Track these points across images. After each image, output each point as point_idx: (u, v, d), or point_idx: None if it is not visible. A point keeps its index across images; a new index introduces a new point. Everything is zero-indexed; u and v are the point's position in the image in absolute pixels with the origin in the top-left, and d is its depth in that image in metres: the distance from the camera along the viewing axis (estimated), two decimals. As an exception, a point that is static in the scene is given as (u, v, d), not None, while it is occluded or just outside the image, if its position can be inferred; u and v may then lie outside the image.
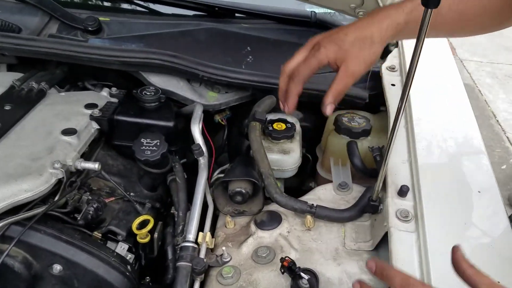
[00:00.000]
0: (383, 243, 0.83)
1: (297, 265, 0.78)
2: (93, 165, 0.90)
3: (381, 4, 1.11)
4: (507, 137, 3.30)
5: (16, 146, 0.88)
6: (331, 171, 1.02)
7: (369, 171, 0.98)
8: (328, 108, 0.84)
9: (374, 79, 1.21)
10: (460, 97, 1.12)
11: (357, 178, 1.02)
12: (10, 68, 1.24)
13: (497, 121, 3.47)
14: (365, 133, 1.03)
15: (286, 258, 0.79)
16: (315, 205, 0.88)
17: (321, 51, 0.80)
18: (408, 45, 1.24)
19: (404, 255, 0.74)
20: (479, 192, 0.82)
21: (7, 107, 0.98)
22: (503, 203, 0.81)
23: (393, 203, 0.82)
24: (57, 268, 0.79)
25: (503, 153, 3.11)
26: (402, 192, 0.83)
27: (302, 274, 0.77)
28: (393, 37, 0.81)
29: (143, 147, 0.97)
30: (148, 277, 0.93)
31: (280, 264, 0.81)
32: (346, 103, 1.12)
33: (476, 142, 0.95)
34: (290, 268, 0.78)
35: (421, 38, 0.60)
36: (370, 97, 1.14)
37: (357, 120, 1.05)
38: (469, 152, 0.92)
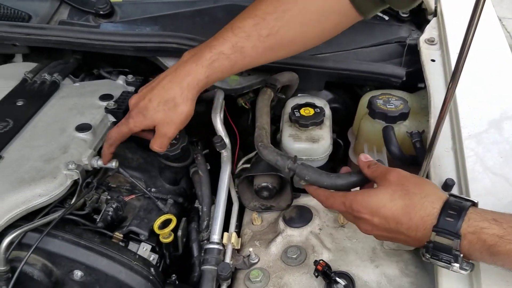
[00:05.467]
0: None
1: (332, 268, 0.72)
2: (110, 163, 0.85)
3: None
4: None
5: (29, 147, 0.83)
6: (365, 159, 0.94)
7: (408, 159, 0.89)
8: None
9: (410, 54, 1.10)
10: (508, 66, 1.00)
11: (392, 165, 0.93)
12: (25, 57, 1.19)
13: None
14: (403, 116, 0.94)
15: (321, 261, 0.73)
16: (299, 163, 0.76)
17: (130, 121, 0.83)
18: (449, 14, 1.11)
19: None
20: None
21: (20, 103, 0.93)
22: None
23: (437, 199, 0.74)
24: (78, 274, 0.76)
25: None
26: (447, 186, 0.75)
27: (338, 279, 0.71)
28: (198, 91, 0.82)
29: (162, 141, 0.91)
30: (174, 275, 0.89)
31: (312, 266, 0.75)
32: (381, 82, 1.02)
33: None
34: (325, 273, 0.71)
35: (473, 22, 0.50)
36: (407, 74, 1.04)
37: (393, 102, 0.95)
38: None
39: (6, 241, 0.69)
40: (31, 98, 0.95)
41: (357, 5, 0.79)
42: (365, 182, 0.72)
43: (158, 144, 0.84)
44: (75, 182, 0.81)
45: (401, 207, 0.63)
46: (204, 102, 1.13)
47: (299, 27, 0.81)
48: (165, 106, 0.81)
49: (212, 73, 0.81)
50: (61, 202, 0.80)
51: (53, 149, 0.83)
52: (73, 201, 0.80)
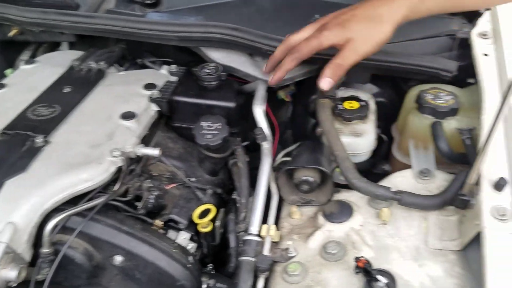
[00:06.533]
0: (473, 242, 0.72)
1: (373, 266, 0.70)
2: (153, 151, 0.86)
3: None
4: None
5: (76, 132, 0.85)
6: (411, 155, 0.91)
7: (457, 157, 0.86)
8: (323, 82, 0.79)
9: (461, 47, 1.06)
10: None
11: (440, 163, 0.90)
12: (71, 46, 1.22)
13: None
14: (453, 112, 0.90)
15: (361, 258, 0.71)
16: (399, 191, 0.78)
17: (324, 33, 0.79)
18: (503, 7, 1.06)
19: (500, 262, 0.63)
20: None
21: (67, 90, 0.96)
22: None
23: (488, 199, 0.71)
24: (118, 259, 0.77)
25: None
26: (499, 185, 0.71)
27: (379, 277, 0.68)
28: (406, 16, 0.78)
29: (204, 131, 0.92)
30: (210, 265, 0.89)
31: (352, 263, 0.73)
32: (430, 76, 0.98)
33: None
34: (365, 270, 0.70)
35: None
36: (458, 68, 0.99)
37: (443, 97, 0.91)
38: None
39: (51, 224, 0.71)
40: (78, 85, 0.97)
41: None
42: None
43: (344, 59, 0.77)
44: (119, 169, 0.82)
45: None
46: (243, 94, 1.13)
47: None
48: (369, 21, 0.77)
49: None
50: (104, 188, 0.82)
51: (99, 135, 0.84)
52: (116, 187, 0.82)
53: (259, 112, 0.98)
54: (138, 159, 0.89)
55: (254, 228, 0.82)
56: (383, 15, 0.77)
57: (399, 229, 0.79)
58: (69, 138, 0.83)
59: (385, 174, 0.98)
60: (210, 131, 0.93)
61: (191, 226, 0.87)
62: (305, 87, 1.16)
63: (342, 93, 1.00)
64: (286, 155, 1.03)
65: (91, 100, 0.94)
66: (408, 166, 0.93)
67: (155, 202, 0.86)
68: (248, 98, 1.14)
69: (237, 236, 0.91)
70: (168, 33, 1.04)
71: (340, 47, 0.79)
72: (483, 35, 1.02)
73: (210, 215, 0.86)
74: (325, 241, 0.79)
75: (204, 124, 0.94)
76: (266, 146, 0.94)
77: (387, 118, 1.08)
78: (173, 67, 1.11)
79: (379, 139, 1.00)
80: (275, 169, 0.99)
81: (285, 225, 0.87)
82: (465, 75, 1.04)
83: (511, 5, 1.08)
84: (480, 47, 0.98)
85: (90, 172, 0.77)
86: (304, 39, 0.81)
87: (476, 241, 0.70)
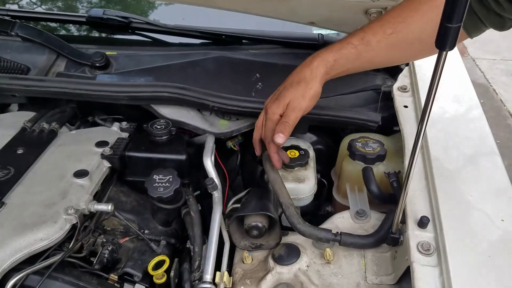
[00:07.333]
0: (405, 275, 0.81)
1: (318, 304, 0.77)
2: (106, 207, 0.89)
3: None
4: (525, 138, 3.24)
5: (30, 193, 0.88)
6: (348, 198, 1.00)
7: (387, 197, 0.96)
8: (277, 138, 0.92)
9: (385, 99, 1.19)
10: (475, 112, 1.09)
11: (374, 203, 1.00)
12: (21, 106, 1.24)
13: (513, 121, 3.41)
14: (380, 158, 1.01)
15: (307, 298, 0.77)
16: (339, 232, 0.87)
17: (269, 112, 0.94)
18: (419, 63, 1.22)
19: (428, 292, 0.72)
20: (502, 220, 0.79)
21: (20, 151, 0.98)
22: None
23: (414, 236, 0.80)
24: (76, 315, 0.79)
25: (521, 154, 3.05)
26: (422, 223, 0.81)
27: (324, 314, 0.75)
28: (326, 73, 0.92)
29: (156, 184, 0.97)
30: (166, 315, 0.92)
31: (300, 302, 0.79)
32: (359, 126, 1.11)
33: (499, 169, 0.92)
34: (311, 309, 0.76)
35: (434, 81, 0.58)
36: (383, 118, 1.12)
37: (371, 145, 1.03)
38: (491, 177, 0.90)
39: (10, 284, 0.73)
40: (31, 146, 1.00)
41: (464, 26, 0.85)
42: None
43: (288, 118, 0.91)
44: (73, 226, 0.85)
45: None
46: (195, 146, 1.20)
47: (418, 31, 0.88)
48: (298, 84, 0.92)
49: (339, 57, 0.91)
50: (60, 245, 0.84)
51: (53, 195, 0.87)
52: (71, 244, 0.84)
53: (208, 163, 1.04)
54: (91, 215, 0.92)
55: (208, 276, 0.87)
56: (306, 76, 0.92)
57: (342, 268, 0.87)
58: (24, 199, 0.86)
59: (329, 214, 1.07)
60: (162, 183, 0.97)
61: (146, 278, 0.90)
62: (251, 137, 1.25)
63: (285, 143, 1.09)
64: (236, 201, 1.09)
65: (44, 160, 0.97)
66: (347, 207, 1.02)
67: (109, 256, 0.88)
68: (199, 150, 1.22)
69: (192, 285, 0.95)
70: (118, 94, 1.09)
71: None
72: (403, 89, 1.16)
73: (164, 266, 0.89)
74: (275, 284, 0.85)
75: (156, 177, 0.98)
76: (217, 195, 1.00)
77: (326, 163, 1.19)
78: (124, 124, 1.16)
79: (321, 183, 1.10)
80: (227, 215, 1.05)
81: (238, 271, 0.92)
82: (391, 124, 1.17)
83: (426, 60, 1.25)
84: (400, 100, 1.12)
85: (46, 231, 0.80)
86: (265, 127, 0.97)
87: (407, 274, 0.78)
